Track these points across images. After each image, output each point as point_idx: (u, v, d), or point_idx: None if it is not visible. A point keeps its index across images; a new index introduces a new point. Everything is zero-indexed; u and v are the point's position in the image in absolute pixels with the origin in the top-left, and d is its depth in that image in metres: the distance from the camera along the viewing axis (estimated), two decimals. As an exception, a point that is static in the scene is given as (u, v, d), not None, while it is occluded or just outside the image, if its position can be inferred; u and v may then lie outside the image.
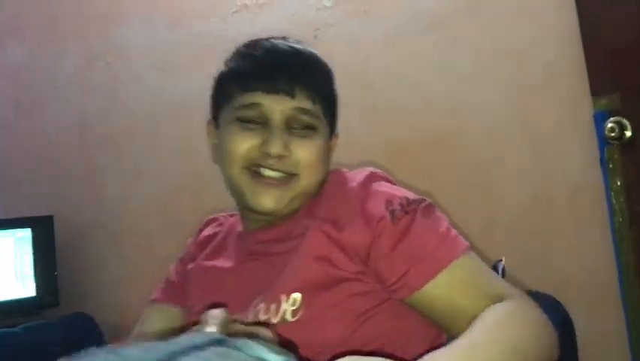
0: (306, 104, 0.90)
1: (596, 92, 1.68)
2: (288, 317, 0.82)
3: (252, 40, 0.98)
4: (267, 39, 0.97)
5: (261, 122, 0.90)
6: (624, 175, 1.66)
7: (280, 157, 0.88)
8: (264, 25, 2.33)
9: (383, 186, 0.90)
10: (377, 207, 0.85)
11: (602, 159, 1.70)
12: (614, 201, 1.67)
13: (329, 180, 0.95)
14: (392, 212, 0.85)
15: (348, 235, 0.85)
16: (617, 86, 1.65)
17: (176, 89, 2.56)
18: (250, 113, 0.91)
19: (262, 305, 0.84)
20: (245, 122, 0.91)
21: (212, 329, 1.94)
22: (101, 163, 2.71)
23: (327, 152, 0.95)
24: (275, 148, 0.87)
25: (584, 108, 1.72)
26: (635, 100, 1.64)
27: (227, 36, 2.39)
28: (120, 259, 2.62)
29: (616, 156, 1.66)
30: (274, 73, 0.90)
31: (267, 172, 0.90)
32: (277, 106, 0.89)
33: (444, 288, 0.81)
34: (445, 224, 0.86)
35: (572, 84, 1.76)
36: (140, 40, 2.61)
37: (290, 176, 0.90)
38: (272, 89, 0.89)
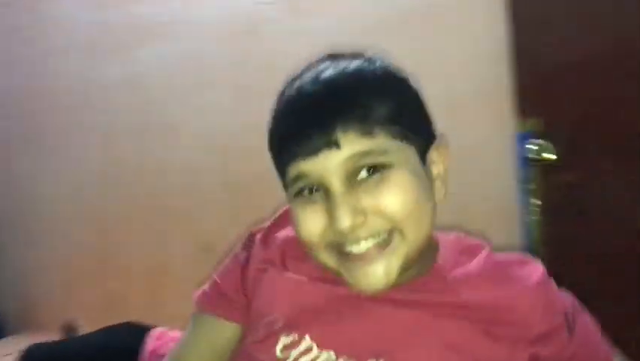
0: (360, 145, 0.67)
1: (521, 113, 1.74)
2: None
3: (289, 81, 0.77)
4: (305, 72, 0.75)
5: (320, 189, 0.70)
6: (541, 197, 1.71)
7: (356, 227, 0.68)
8: (199, 11, 2.29)
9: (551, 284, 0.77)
10: (558, 316, 0.74)
11: (521, 180, 1.75)
12: (529, 221, 1.73)
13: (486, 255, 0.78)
14: (568, 322, 0.75)
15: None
16: (543, 110, 1.71)
17: (103, 72, 2.45)
18: (302, 185, 0.71)
19: None
20: (302, 195, 0.72)
21: None
22: (15, 142, 2.56)
23: (422, 182, 0.71)
24: (344, 223, 0.66)
25: (508, 128, 1.77)
26: (558, 124, 1.70)
27: (160, 21, 2.32)
28: (29, 247, 2.48)
29: (535, 177, 1.72)
30: (305, 128, 0.68)
31: (355, 248, 0.69)
32: (325, 168, 0.68)
33: None
34: None
35: (498, 104, 1.81)
36: (70, 18, 2.48)
37: (387, 236, 0.69)
38: (310, 151, 0.68)
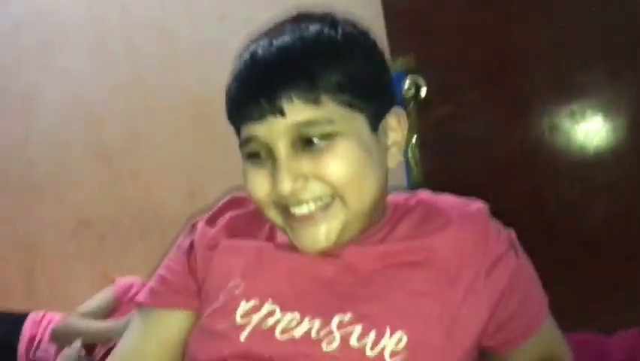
0: (305, 113, 0.68)
1: (393, 52, 1.74)
2: (386, 356, 0.67)
3: (249, 43, 0.76)
4: (265, 35, 0.74)
5: (268, 155, 0.71)
6: (419, 133, 1.74)
7: (297, 191, 0.69)
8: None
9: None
10: (503, 243, 0.76)
11: (399, 118, 1.77)
12: (410, 158, 1.76)
13: (427, 201, 0.80)
14: (514, 247, 0.77)
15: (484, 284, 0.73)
16: (413, 47, 1.72)
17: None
18: (250, 148, 0.72)
19: (358, 328, 0.68)
20: (252, 157, 0.73)
21: None
22: None
23: (369, 151, 0.72)
24: (284, 187, 0.68)
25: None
26: (429, 60, 1.72)
27: None
28: None
29: (412, 114, 1.74)
30: (254, 94, 0.69)
31: (298, 210, 0.71)
32: (270, 133, 0.69)
33: (544, 333, 0.80)
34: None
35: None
36: None
37: (327, 201, 0.71)
38: (257, 116, 0.69)
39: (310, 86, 0.68)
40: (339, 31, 0.74)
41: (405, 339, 0.68)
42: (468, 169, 1.71)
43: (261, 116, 0.69)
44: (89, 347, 1.79)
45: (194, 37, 2.16)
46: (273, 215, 0.74)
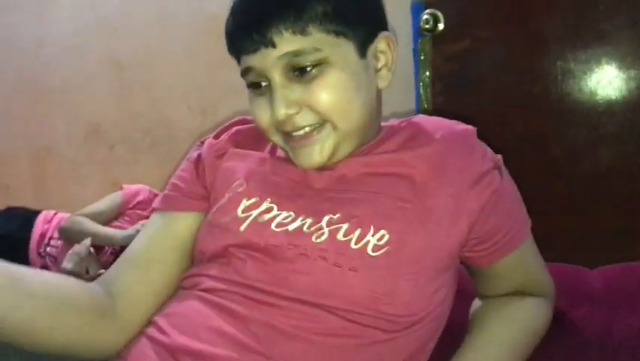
0: (293, 43, 0.74)
1: (415, -17, 1.72)
2: (369, 250, 0.73)
3: None
4: None
5: (266, 81, 0.77)
6: (433, 67, 1.75)
7: (291, 116, 0.76)
8: None
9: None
10: (487, 163, 0.80)
11: (414, 50, 1.77)
12: (421, 91, 1.77)
13: (419, 121, 0.85)
14: (499, 169, 0.81)
15: (467, 194, 0.78)
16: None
17: None
18: (249, 78, 0.79)
19: (345, 226, 0.75)
20: (253, 87, 0.79)
21: (69, 265, 1.74)
22: None
23: (357, 77, 0.78)
24: (278, 113, 0.75)
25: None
26: (449, -7, 1.71)
27: None
28: None
29: (427, 47, 1.74)
30: (246, 28, 0.76)
31: (294, 133, 0.78)
32: (264, 63, 0.75)
33: (525, 255, 0.84)
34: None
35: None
36: None
37: (320, 125, 0.77)
38: (251, 48, 0.75)
39: (297, 18, 0.74)
40: None
41: (387, 237, 0.74)
42: (478, 105, 1.72)
43: (254, 49, 0.75)
44: (97, 248, 1.87)
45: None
46: (276, 138, 0.81)
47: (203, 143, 0.92)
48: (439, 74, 1.75)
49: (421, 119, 0.87)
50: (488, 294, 0.87)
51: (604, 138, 1.62)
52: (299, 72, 0.75)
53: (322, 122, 0.77)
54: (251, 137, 0.89)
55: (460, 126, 0.84)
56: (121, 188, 2.09)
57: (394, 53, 0.83)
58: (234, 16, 0.79)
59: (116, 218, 2.03)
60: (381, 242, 0.74)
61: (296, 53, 0.74)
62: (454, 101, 1.74)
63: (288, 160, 0.84)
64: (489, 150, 0.83)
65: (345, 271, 0.73)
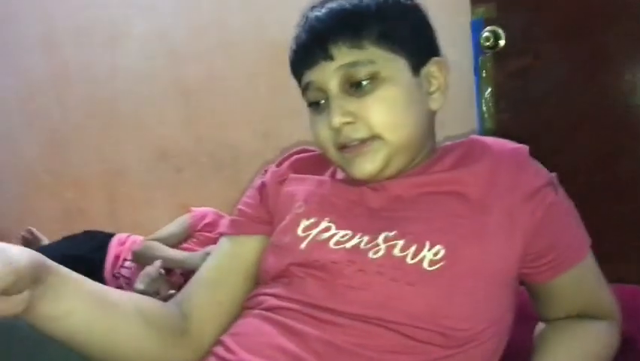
0: (350, 56, 0.80)
1: (475, 0, 1.71)
2: (425, 264, 0.75)
3: (309, 9, 0.88)
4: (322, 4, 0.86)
5: (325, 98, 0.83)
6: (495, 84, 1.73)
7: (346, 125, 0.80)
8: None
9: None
10: (541, 179, 0.81)
11: (475, 67, 1.76)
12: (484, 108, 1.75)
13: (472, 141, 0.87)
14: (553, 185, 0.82)
15: (525, 209, 0.79)
16: (495, -4, 1.69)
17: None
18: (310, 96, 0.84)
19: (401, 242, 0.77)
20: (313, 106, 0.85)
21: (141, 285, 1.83)
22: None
23: (410, 93, 0.83)
24: (334, 120, 0.80)
25: (464, 17, 1.76)
26: (510, 10, 1.69)
27: None
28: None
29: (489, 64, 1.73)
30: (308, 44, 0.83)
31: (348, 144, 0.82)
32: (323, 76, 0.81)
33: (585, 274, 0.83)
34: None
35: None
36: None
37: (371, 139, 0.81)
38: (312, 62, 0.82)
39: (354, 35, 0.80)
40: None
41: (443, 252, 0.75)
42: (542, 123, 1.68)
43: (314, 62, 0.82)
44: (168, 270, 1.93)
45: (275, -19, 2.18)
46: (333, 153, 0.84)
47: (266, 171, 0.97)
48: (502, 91, 1.72)
49: (474, 139, 0.89)
50: (550, 317, 0.86)
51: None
52: (355, 86, 0.80)
53: (373, 136, 0.80)
54: (311, 164, 0.95)
55: (512, 145, 0.85)
56: (189, 211, 2.16)
57: (447, 77, 0.87)
58: (297, 39, 0.86)
59: (185, 240, 2.10)
60: (437, 257, 0.75)
61: (351, 65, 0.80)
62: (518, 118, 1.71)
63: (345, 181, 0.88)
64: (542, 168, 0.83)
65: (402, 285, 0.74)
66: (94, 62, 2.49)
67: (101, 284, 0.77)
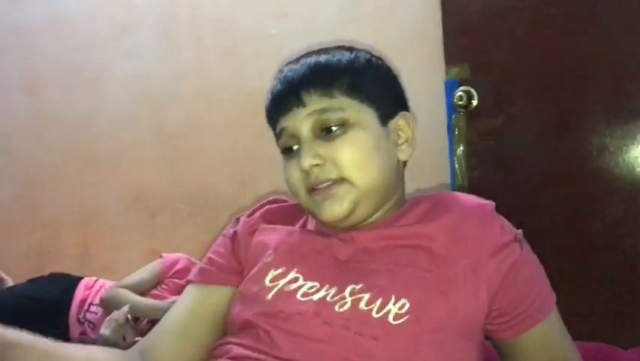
0: (321, 103, 0.85)
1: (448, 61, 1.77)
2: (390, 318, 0.77)
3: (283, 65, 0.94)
4: (297, 59, 0.92)
5: (297, 144, 0.87)
6: (467, 142, 1.77)
7: (315, 167, 0.84)
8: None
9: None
10: (507, 235, 0.84)
11: (449, 126, 1.80)
12: (456, 166, 1.79)
13: (439, 196, 0.90)
14: (519, 241, 0.84)
15: (489, 263, 0.81)
16: (468, 57, 1.75)
17: (22, 15, 2.34)
18: (283, 141, 0.89)
19: (367, 295, 0.78)
20: (286, 152, 0.89)
21: (106, 331, 1.80)
22: None
23: (378, 140, 0.87)
24: (304, 162, 0.83)
25: (437, 76, 1.81)
26: (483, 71, 1.75)
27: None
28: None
29: (461, 123, 1.77)
30: (282, 93, 0.88)
31: (317, 187, 0.85)
32: (295, 121, 0.86)
33: (551, 331, 0.84)
34: None
35: (429, 51, 1.84)
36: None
37: (339, 181, 0.84)
38: (285, 108, 0.87)
39: (325, 84, 0.86)
40: (355, 52, 0.92)
41: (408, 305, 0.77)
42: (513, 181, 1.73)
43: (287, 109, 0.87)
44: (135, 318, 1.89)
45: (256, 33, 2.23)
46: (303, 196, 0.87)
47: (238, 220, 0.99)
48: (474, 149, 1.77)
49: (442, 193, 0.92)
50: None
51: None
52: (325, 131, 0.85)
53: (341, 178, 0.83)
54: (282, 214, 0.97)
55: (479, 200, 0.89)
56: (160, 257, 2.14)
57: (415, 130, 0.92)
58: (272, 89, 0.91)
59: (154, 287, 2.07)
60: (402, 311, 0.76)
61: (322, 111, 0.85)
62: (489, 176, 1.75)
63: (315, 232, 0.91)
64: (508, 223, 0.86)
65: (367, 339, 0.75)
66: (74, 103, 2.50)
67: (54, 343, 0.76)
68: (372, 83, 0.89)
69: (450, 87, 1.77)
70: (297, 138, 0.86)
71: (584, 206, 1.67)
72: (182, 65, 2.36)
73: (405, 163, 0.93)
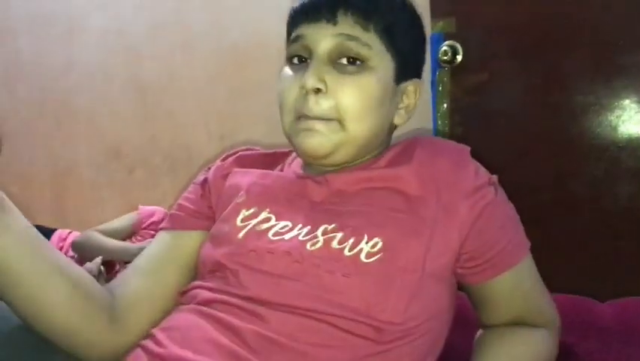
0: (353, 30, 0.80)
1: (434, 14, 1.73)
2: (362, 256, 0.76)
3: None
4: None
5: (307, 58, 0.82)
6: (451, 98, 1.75)
7: (316, 92, 0.79)
8: None
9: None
10: (481, 178, 0.82)
11: (432, 81, 1.78)
12: (439, 122, 1.77)
13: (415, 140, 0.88)
14: (493, 185, 0.83)
15: (459, 207, 0.79)
16: (454, 11, 1.71)
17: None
18: (294, 48, 0.83)
19: (340, 235, 0.77)
20: (292, 60, 0.84)
21: None
22: None
23: (385, 95, 0.83)
24: (309, 80, 0.78)
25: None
26: (469, 26, 1.72)
27: None
28: None
29: (445, 79, 1.75)
30: (318, 2, 0.82)
31: (305, 118, 0.81)
32: (317, 35, 0.80)
33: (523, 278, 0.83)
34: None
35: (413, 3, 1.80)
36: None
37: (331, 121, 0.80)
38: (314, 17, 0.81)
39: (366, 13, 0.80)
40: None
41: (380, 244, 0.76)
42: (496, 139, 1.71)
43: (316, 19, 0.81)
44: (109, 266, 1.88)
45: (239, -18, 2.17)
46: (288, 120, 0.83)
47: (209, 168, 0.97)
48: (458, 105, 1.75)
49: (418, 137, 0.90)
50: (489, 322, 0.86)
51: (624, 173, 1.60)
52: (342, 60, 0.80)
53: (334, 119, 0.80)
54: (255, 161, 0.95)
55: (454, 144, 0.88)
56: (137, 209, 2.12)
57: (417, 100, 0.89)
58: None
59: (129, 237, 2.06)
60: (375, 249, 0.76)
61: (350, 37, 0.80)
62: (472, 133, 1.74)
63: (289, 175, 0.89)
64: (483, 168, 0.85)
65: (338, 277, 0.74)
66: (48, 53, 2.43)
67: (51, 246, 0.77)
68: (408, 37, 0.85)
69: (435, 41, 1.73)
70: (309, 52, 0.82)
71: (565, 165, 1.67)
72: (161, 16, 2.29)
73: (396, 127, 0.90)
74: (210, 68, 2.24)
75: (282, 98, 0.84)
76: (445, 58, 1.71)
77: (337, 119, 0.80)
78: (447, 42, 1.71)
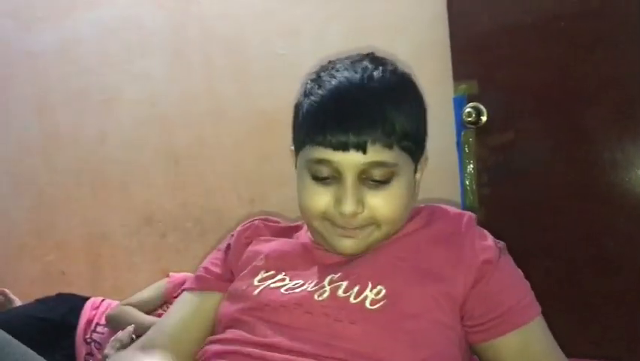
0: (381, 155, 0.82)
1: (457, 77, 1.77)
2: (367, 303, 0.80)
3: (323, 70, 0.88)
4: (338, 68, 0.87)
5: (334, 177, 0.84)
6: (477, 159, 1.76)
7: (355, 214, 0.83)
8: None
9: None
10: (485, 243, 0.86)
11: (458, 143, 1.79)
12: (466, 183, 1.78)
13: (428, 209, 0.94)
14: (500, 250, 0.86)
15: (459, 268, 0.83)
16: (476, 74, 1.75)
17: (34, 39, 2.38)
18: (322, 170, 0.84)
19: (345, 283, 0.83)
20: (317, 177, 0.85)
21: (111, 351, 1.82)
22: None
23: (411, 190, 0.88)
24: (348, 207, 0.82)
25: (446, 93, 1.81)
26: (491, 87, 1.74)
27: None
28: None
29: (471, 139, 1.76)
30: (342, 125, 0.81)
31: (347, 227, 0.85)
32: (348, 163, 0.82)
33: (530, 342, 0.83)
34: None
35: (438, 67, 1.84)
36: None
37: (368, 224, 0.85)
38: (341, 146, 0.81)
39: (387, 133, 0.81)
40: (398, 75, 0.88)
41: (384, 291, 0.80)
42: (524, 197, 1.70)
43: (344, 148, 0.81)
44: (139, 335, 1.88)
45: (265, 52, 2.24)
46: (317, 224, 0.87)
47: (233, 235, 1.03)
48: (484, 165, 1.75)
49: (434, 205, 0.95)
50: None
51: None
52: (372, 179, 0.83)
53: (371, 224, 0.84)
54: (273, 230, 1.01)
55: (460, 212, 0.92)
56: (167, 276, 2.13)
57: (423, 172, 0.93)
58: (326, 109, 0.83)
59: (161, 306, 2.06)
60: (379, 296, 0.80)
61: (379, 164, 0.82)
62: (500, 192, 1.74)
63: (307, 245, 0.93)
64: (487, 233, 0.89)
65: (345, 324, 0.78)
66: (85, 126, 2.52)
67: None
68: (420, 126, 0.87)
69: (458, 104, 1.76)
70: (339, 174, 0.83)
71: (596, 222, 1.65)
72: (192, 85, 2.37)
73: None
74: (239, 134, 2.29)
75: (309, 208, 0.86)
76: (470, 119, 1.73)
77: (374, 224, 0.85)
78: (470, 104, 1.73)
